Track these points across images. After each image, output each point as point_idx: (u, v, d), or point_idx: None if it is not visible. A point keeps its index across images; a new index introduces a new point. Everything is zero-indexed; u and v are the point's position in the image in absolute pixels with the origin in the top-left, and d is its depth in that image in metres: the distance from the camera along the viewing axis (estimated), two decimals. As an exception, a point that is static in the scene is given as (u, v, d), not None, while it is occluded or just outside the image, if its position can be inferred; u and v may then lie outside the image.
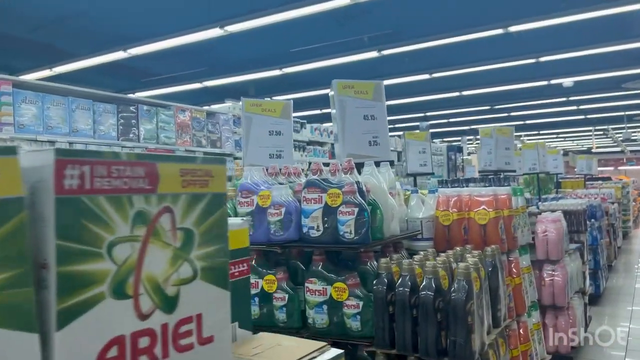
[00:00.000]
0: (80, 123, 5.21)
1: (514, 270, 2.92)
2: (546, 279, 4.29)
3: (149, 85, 10.92)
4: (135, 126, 5.82)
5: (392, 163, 3.09)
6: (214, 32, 6.30)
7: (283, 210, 2.48)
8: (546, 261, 4.31)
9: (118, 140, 5.60)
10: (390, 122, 17.16)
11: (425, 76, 10.87)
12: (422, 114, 17.18)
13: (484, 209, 2.80)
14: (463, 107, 16.26)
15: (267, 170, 2.76)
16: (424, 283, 2.15)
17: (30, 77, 9.26)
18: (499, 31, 7.23)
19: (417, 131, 6.12)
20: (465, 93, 13.40)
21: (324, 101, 14.33)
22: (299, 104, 15.06)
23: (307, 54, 9.03)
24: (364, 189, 2.40)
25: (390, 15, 8.69)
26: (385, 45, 7.90)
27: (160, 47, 7.34)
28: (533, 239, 4.17)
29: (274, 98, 12.94)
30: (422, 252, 2.47)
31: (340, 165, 2.45)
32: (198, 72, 10.11)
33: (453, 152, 18.10)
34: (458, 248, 2.57)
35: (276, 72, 9.44)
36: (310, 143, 9.03)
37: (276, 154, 3.36)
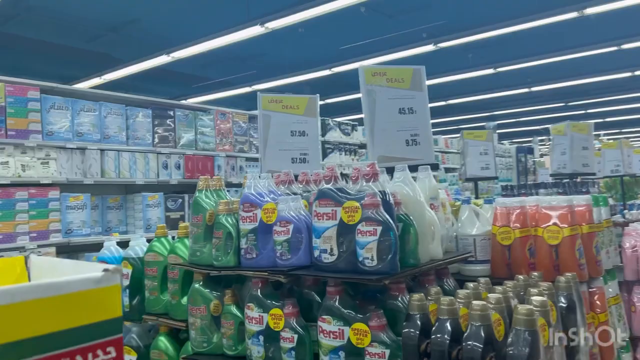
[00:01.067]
0: (112, 129, 4.96)
1: (598, 303, 2.25)
2: (637, 305, 3.50)
3: (200, 91, 10.82)
4: (172, 132, 5.53)
5: (435, 166, 2.51)
6: (255, 30, 5.94)
7: (291, 227, 1.98)
8: (637, 282, 3.52)
9: (153, 146, 5.33)
10: (452, 122, 16.26)
11: (489, 71, 10.01)
12: (487, 113, 16.13)
13: (555, 224, 2.16)
14: (533, 105, 15.08)
15: (280, 176, 2.27)
16: (469, 330, 1.57)
17: (81, 85, 9.38)
18: (573, 15, 6.36)
19: (477, 130, 5.43)
20: (535, 89, 12.33)
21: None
22: (351, 106, 14.53)
23: (357, 50, 8.51)
24: (392, 201, 1.85)
25: (446, 3, 8.02)
26: (441, 38, 7.23)
27: (202, 50, 7.09)
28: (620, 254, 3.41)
29: (326, 100, 12.50)
30: (471, 284, 1.88)
31: (363, 170, 1.92)
32: (248, 76, 9.85)
33: (523, 154, 16.93)
34: (521, 277, 1.96)
35: (326, 72, 8.98)
36: (362, 146, 8.49)
37: (300, 158, 2.87)
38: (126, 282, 2.72)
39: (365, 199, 1.79)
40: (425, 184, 2.20)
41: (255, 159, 6.38)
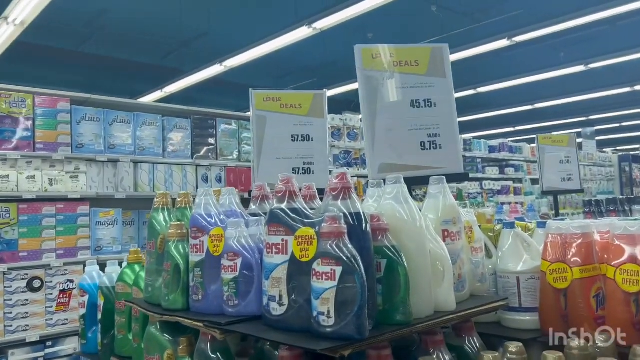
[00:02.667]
0: (147, 141, 4.71)
1: None
2: None
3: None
4: (212, 143, 5.21)
5: (463, 177, 1.87)
6: (303, 32, 5.52)
7: (239, 262, 1.45)
8: None
9: (192, 158, 5.03)
10: (541, 130, 14.83)
11: (580, 68, 8.84)
12: (583, 118, 14.53)
13: (634, 261, 1.45)
14: (638, 107, 13.33)
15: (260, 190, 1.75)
16: None
17: (145, 99, 9.49)
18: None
19: (555, 133, 4.57)
20: (639, 87, 10.81)
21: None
22: None
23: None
24: (367, 228, 1.28)
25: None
26: (516, 31, 6.36)
27: (253, 56, 6.78)
28: None
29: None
30: (490, 356, 1.25)
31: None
32: (310, 85, 9.49)
33: (627, 163, 15.11)
34: (581, 340, 1.29)
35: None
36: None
37: (304, 168, 2.35)
38: (100, 316, 2.33)
39: (323, 225, 1.22)
40: (438, 202, 1.58)
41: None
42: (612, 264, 1.49)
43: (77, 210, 4.29)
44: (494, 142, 9.24)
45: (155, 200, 1.86)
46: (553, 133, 4.52)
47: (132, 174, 4.59)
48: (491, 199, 8.79)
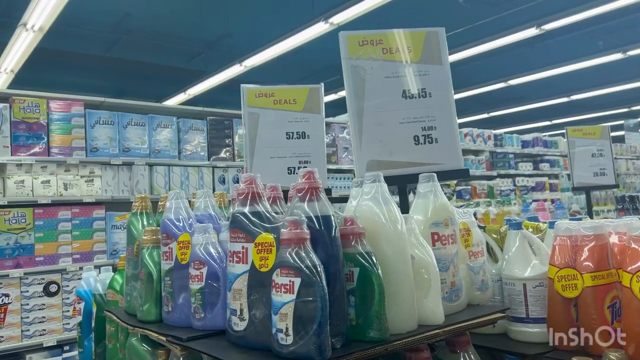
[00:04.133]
0: (163, 143, 4.68)
1: None
2: None
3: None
4: (229, 144, 5.14)
5: (463, 173, 1.70)
6: (320, 28, 5.38)
7: (204, 271, 1.33)
8: None
9: (209, 160, 4.97)
10: (579, 122, 14.20)
11: (617, 56, 8.37)
12: (625, 109, 13.83)
13: (653, 267, 1.26)
14: (684, 95, 12.59)
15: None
16: None
17: (169, 102, 9.54)
18: None
19: (586, 126, 4.29)
20: (684, 75, 10.17)
21: (484, 100, 12.21)
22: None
23: (453, 41, 7.56)
24: (335, 233, 1.14)
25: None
26: (545, 19, 6.03)
27: (271, 55, 6.68)
28: None
29: None
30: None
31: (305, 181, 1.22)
32: (333, 82, 9.35)
33: (674, 155, 14.36)
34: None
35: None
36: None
37: (299, 167, 2.21)
38: (93, 324, 2.26)
39: (282, 230, 1.09)
40: (428, 202, 1.42)
41: (334, 171, 5.77)
42: (628, 269, 1.29)
43: (93, 214, 4.28)
44: (528, 137, 8.87)
45: (134, 204, 1.76)
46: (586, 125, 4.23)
47: (147, 176, 4.56)
48: (525, 195, 8.44)
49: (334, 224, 1.16)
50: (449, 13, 7.75)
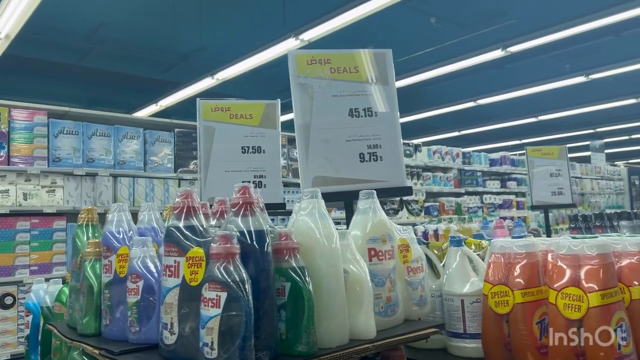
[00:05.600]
0: (128, 154, 4.64)
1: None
2: None
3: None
4: (197, 156, 5.11)
5: (407, 191, 1.75)
6: (290, 44, 5.43)
7: (140, 285, 1.33)
8: None
9: (175, 172, 4.95)
10: (547, 143, 14.58)
11: (580, 79, 8.66)
12: (591, 130, 14.25)
13: (576, 285, 1.31)
14: (647, 119, 13.05)
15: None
16: None
17: (140, 113, 9.48)
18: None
19: (545, 146, 4.42)
20: (645, 99, 10.56)
21: (454, 119, 12.50)
22: (418, 127, 13.35)
23: (419, 62, 7.70)
24: (267, 248, 1.16)
25: (522, 10, 7.00)
26: (510, 41, 6.22)
27: (243, 69, 6.73)
28: None
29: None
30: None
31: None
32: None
33: (637, 177, 14.83)
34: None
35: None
36: (428, 169, 7.61)
37: (255, 182, 2.23)
38: (39, 337, 2.22)
39: (212, 245, 1.11)
40: (367, 218, 1.45)
41: (296, 185, 5.79)
42: (554, 286, 1.34)
43: (53, 225, 4.21)
44: (495, 155, 9.06)
45: (80, 215, 1.75)
46: (540, 146, 4.35)
47: (111, 187, 4.52)
48: (492, 213, 8.59)
49: (266, 239, 1.18)
50: (420, 32, 7.92)
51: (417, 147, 7.41)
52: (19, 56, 8.45)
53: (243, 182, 2.07)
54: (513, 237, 1.93)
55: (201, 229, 1.21)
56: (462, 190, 8.09)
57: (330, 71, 1.71)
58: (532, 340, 1.39)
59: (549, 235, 4.18)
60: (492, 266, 1.50)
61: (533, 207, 4.35)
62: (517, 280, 1.43)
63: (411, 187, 1.81)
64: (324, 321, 1.21)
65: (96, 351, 1.32)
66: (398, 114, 1.75)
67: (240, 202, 1.19)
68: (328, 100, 1.69)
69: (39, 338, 2.21)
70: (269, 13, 6.72)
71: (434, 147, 7.67)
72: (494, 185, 8.80)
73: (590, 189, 11.76)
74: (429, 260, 1.80)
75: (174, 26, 8.09)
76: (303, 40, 5.28)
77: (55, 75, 10.17)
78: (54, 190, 4.25)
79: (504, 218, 7.45)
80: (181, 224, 1.22)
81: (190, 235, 1.20)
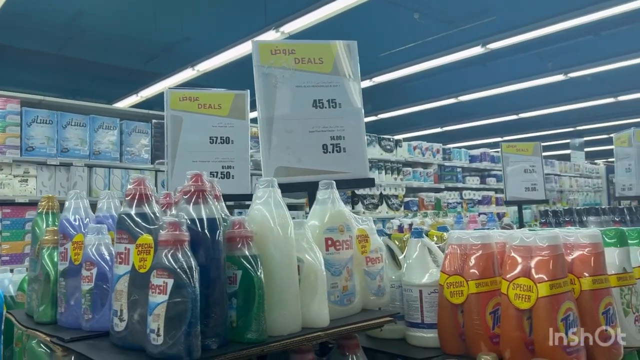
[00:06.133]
0: (104, 144, 4.59)
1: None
2: None
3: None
4: (175, 147, 5.08)
5: (369, 182, 1.76)
6: (271, 36, 5.41)
7: (94, 272, 1.33)
8: None
9: (152, 164, 4.91)
10: (531, 139, 14.75)
11: (560, 77, 8.76)
12: (571, 129, 14.45)
13: (527, 275, 1.33)
14: (626, 117, 13.27)
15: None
16: None
17: (120, 104, 9.38)
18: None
19: (520, 142, 4.47)
20: (623, 98, 10.73)
21: (437, 115, 12.58)
22: (401, 124, 13.41)
23: (401, 57, 7.72)
24: (219, 236, 1.16)
25: (504, 8, 7.05)
26: (490, 38, 6.27)
27: (224, 61, 6.69)
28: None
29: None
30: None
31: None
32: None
33: (614, 175, 15.01)
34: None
35: (366, 83, 8.24)
36: (408, 164, 7.65)
37: (223, 172, 2.23)
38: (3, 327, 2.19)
39: (161, 232, 1.10)
40: (325, 208, 1.46)
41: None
42: (507, 277, 1.36)
43: (26, 214, 4.16)
44: (476, 152, 9.14)
45: (40, 203, 1.74)
46: (516, 142, 4.40)
47: (86, 178, 4.46)
48: (472, 209, 8.67)
49: (218, 227, 1.18)
50: (402, 28, 7.93)
51: (397, 143, 7.43)
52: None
53: (212, 173, 2.05)
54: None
55: (152, 216, 1.21)
56: (442, 186, 8.15)
57: (295, 61, 1.71)
58: (485, 330, 1.41)
59: (522, 231, 4.23)
60: (449, 257, 1.52)
61: (507, 203, 4.40)
62: (472, 270, 1.45)
63: (373, 178, 1.82)
64: (276, 309, 1.22)
65: (48, 339, 1.31)
66: (362, 105, 1.76)
67: (192, 189, 1.19)
68: (292, 91, 1.69)
69: (2, 327, 2.19)
70: (250, 5, 6.68)
71: (414, 143, 7.71)
72: (473, 181, 8.88)
73: (569, 187, 11.93)
74: (390, 251, 1.82)
75: (153, 17, 8.00)
76: (284, 33, 5.26)
77: (35, 65, 10.01)
78: (27, 180, 4.19)
79: (484, 214, 7.53)
80: (132, 211, 1.21)
81: (141, 222, 1.20)
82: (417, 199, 7.69)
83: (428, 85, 10.18)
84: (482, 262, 1.45)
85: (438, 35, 7.30)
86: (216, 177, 2.22)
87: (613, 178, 13.85)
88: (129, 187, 1.23)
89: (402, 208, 7.43)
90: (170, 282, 1.05)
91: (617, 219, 3.14)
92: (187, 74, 7.45)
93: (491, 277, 1.45)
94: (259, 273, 1.18)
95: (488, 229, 3.79)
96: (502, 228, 4.21)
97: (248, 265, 1.18)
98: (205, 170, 2.21)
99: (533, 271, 1.33)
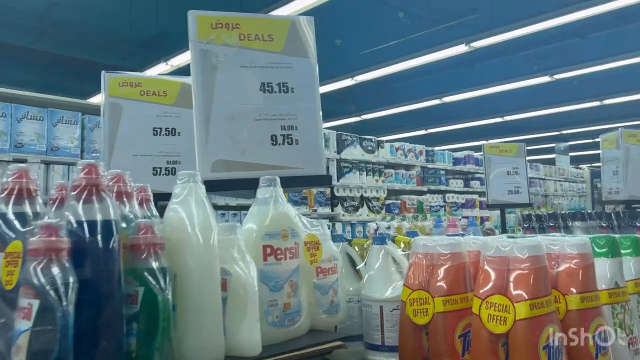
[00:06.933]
0: (63, 140, 4.30)
1: None
2: None
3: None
4: (142, 144, 4.80)
5: (326, 180, 1.52)
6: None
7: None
8: None
9: (117, 160, 4.61)
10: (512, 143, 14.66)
11: (544, 79, 8.63)
12: (556, 132, 14.38)
13: (503, 293, 1.10)
14: (611, 122, 13.22)
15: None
16: None
17: (93, 99, 9.06)
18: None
19: (503, 143, 4.28)
20: (609, 102, 10.64)
21: (421, 117, 12.41)
22: (385, 125, 13.20)
23: (384, 55, 7.51)
24: (113, 243, 0.91)
25: (492, 8, 6.89)
26: (474, 36, 6.09)
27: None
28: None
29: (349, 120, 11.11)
30: None
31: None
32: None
33: (599, 179, 15.00)
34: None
35: (348, 82, 8.02)
36: (390, 165, 7.43)
37: (167, 168, 1.98)
38: None
39: (31, 239, 0.85)
40: (266, 209, 1.22)
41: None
42: (479, 294, 1.13)
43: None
44: (459, 154, 8.96)
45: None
46: (498, 142, 4.20)
47: (42, 176, 4.17)
48: (455, 212, 8.49)
49: (113, 232, 0.93)
50: (384, 24, 7.72)
51: (379, 143, 7.22)
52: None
53: (155, 168, 1.80)
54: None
55: (28, 216, 0.96)
56: (425, 189, 7.95)
57: (240, 37, 1.46)
58: (453, 355, 1.18)
59: (504, 236, 4.02)
60: (412, 268, 1.28)
61: (489, 206, 4.20)
62: (439, 285, 1.21)
63: (330, 176, 1.59)
64: (191, 334, 0.97)
65: None
66: (318, 91, 1.52)
67: (83, 184, 0.94)
68: (235, 72, 1.45)
69: None
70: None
71: (397, 144, 7.50)
72: (457, 184, 8.70)
73: (553, 191, 11.82)
74: (351, 260, 1.58)
75: (129, 12, 7.72)
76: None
77: (6, 58, 9.64)
78: (-24, 176, 3.89)
79: (466, 217, 7.34)
80: (8, 210, 0.96)
81: (18, 225, 0.94)
82: (399, 201, 7.48)
83: (412, 86, 10.00)
84: (451, 275, 1.22)
85: (421, 33, 7.10)
86: (159, 173, 1.97)
87: (598, 183, 13.85)
88: (5, 180, 0.98)
89: (384, 211, 7.21)
90: (35, 303, 0.80)
91: (604, 224, 2.94)
92: (160, 69, 7.17)
93: (462, 293, 1.21)
94: (165, 290, 0.94)
95: (467, 234, 3.58)
96: (484, 233, 4.00)
97: (152, 280, 0.94)
98: (147, 165, 1.97)
99: (510, 287, 1.10)
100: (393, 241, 1.62)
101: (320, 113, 1.52)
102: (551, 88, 9.53)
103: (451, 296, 1.20)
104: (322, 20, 5.66)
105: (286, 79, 1.49)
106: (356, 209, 6.79)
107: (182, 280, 0.99)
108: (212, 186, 1.39)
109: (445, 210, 8.30)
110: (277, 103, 1.47)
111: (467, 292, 1.22)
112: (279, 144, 1.46)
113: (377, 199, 7.13)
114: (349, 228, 6.50)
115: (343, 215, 6.54)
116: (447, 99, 9.86)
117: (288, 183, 1.44)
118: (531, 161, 12.29)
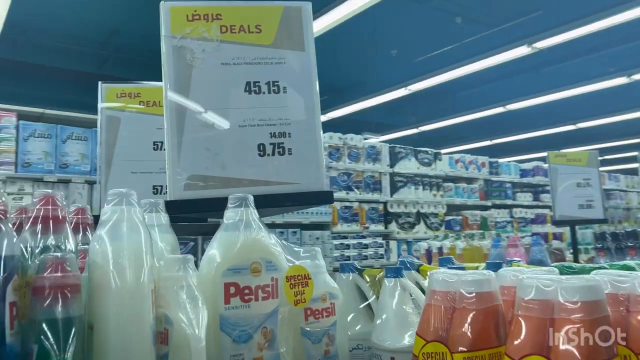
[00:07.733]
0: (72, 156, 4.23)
1: None
2: None
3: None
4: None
5: (326, 198, 1.25)
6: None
7: None
8: None
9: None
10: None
11: (622, 80, 7.86)
12: (637, 140, 13.18)
13: (542, 354, 0.77)
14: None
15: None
16: None
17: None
18: None
19: (571, 152, 3.81)
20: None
21: (485, 127, 11.67)
22: (444, 137, 12.46)
23: (438, 62, 7.12)
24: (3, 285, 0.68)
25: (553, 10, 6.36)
26: (536, 36, 5.59)
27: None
28: None
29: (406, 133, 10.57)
30: None
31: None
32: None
33: (691, 189, 13.68)
34: None
35: (402, 92, 7.66)
36: (449, 179, 7.00)
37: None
38: None
39: None
40: (234, 236, 0.96)
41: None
42: (509, 352, 0.82)
43: (19, 235, 3.87)
44: (527, 166, 8.34)
45: None
46: (566, 150, 3.74)
47: (85, 195, 4.16)
48: (524, 228, 7.86)
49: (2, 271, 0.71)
50: (439, 29, 7.33)
51: (436, 155, 6.82)
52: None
53: (156, 187, 1.60)
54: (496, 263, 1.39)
55: None
56: (489, 203, 7.42)
57: (221, 30, 1.23)
58: None
59: (575, 257, 3.55)
60: (428, 312, 0.98)
61: (556, 223, 3.73)
62: (460, 335, 0.91)
63: (331, 192, 1.31)
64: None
65: None
66: (317, 91, 1.26)
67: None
68: (215, 70, 1.22)
69: None
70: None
71: (456, 156, 7.06)
72: (525, 198, 8.08)
73: (637, 204, 10.80)
74: (362, 295, 1.29)
75: (95, 15, 7.45)
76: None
77: (74, 85, 9.97)
78: (22, 197, 3.93)
79: (537, 234, 6.73)
80: None
81: None
82: (460, 217, 7.01)
83: (475, 94, 9.49)
84: (478, 324, 0.91)
85: (478, 36, 6.67)
86: (160, 192, 1.77)
87: (688, 194, 12.45)
88: None
89: (443, 227, 6.77)
90: None
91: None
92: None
93: (490, 348, 0.90)
94: (67, 349, 0.70)
95: (534, 256, 3.14)
96: (551, 254, 3.54)
97: (49, 337, 0.70)
98: (147, 183, 1.78)
99: (555, 346, 0.78)
100: (418, 271, 1.32)
101: (320, 117, 1.25)
102: (629, 90, 8.69)
103: (476, 352, 0.89)
104: (374, 29, 5.37)
105: (277, 77, 1.24)
106: (412, 225, 6.41)
107: (100, 333, 0.76)
108: (186, 207, 1.16)
109: (512, 226, 7.72)
110: (266, 106, 1.23)
111: (498, 347, 0.90)
112: (268, 155, 1.21)
113: (436, 214, 6.71)
114: (404, 247, 6.13)
115: (398, 232, 6.18)
116: (512, 107, 9.25)
117: (279, 202, 1.19)
118: (610, 171, 11.30)
